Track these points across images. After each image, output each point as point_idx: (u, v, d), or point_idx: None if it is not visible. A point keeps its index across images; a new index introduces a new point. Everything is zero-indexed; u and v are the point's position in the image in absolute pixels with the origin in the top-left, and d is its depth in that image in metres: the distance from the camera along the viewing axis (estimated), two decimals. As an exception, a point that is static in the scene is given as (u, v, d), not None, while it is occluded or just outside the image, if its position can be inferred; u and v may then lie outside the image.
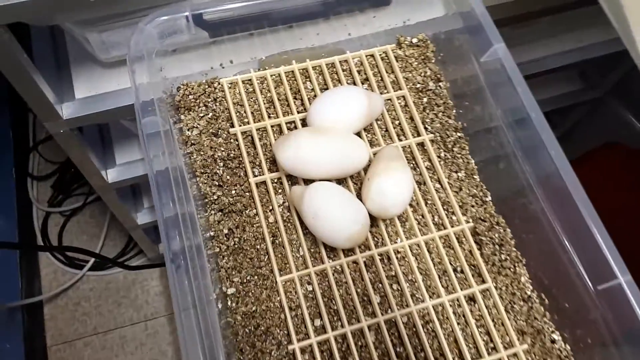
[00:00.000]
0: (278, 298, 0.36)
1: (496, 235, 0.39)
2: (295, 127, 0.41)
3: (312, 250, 0.37)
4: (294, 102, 0.42)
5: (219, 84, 0.42)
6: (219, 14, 0.39)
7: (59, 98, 0.50)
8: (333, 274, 0.37)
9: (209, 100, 0.41)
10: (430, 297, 0.36)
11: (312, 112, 0.39)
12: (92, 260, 1.05)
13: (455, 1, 0.42)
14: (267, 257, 0.37)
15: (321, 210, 0.34)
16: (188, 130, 0.40)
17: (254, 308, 0.35)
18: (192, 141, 0.40)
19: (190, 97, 0.41)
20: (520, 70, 0.62)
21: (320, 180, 0.38)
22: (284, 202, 0.39)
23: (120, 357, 1.01)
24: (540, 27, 0.78)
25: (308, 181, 0.38)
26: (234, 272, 0.36)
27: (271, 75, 0.43)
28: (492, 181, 0.41)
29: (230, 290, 0.36)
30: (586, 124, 1.08)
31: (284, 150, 0.36)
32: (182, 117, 0.41)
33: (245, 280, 0.36)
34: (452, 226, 0.39)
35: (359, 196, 0.38)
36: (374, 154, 0.40)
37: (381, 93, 0.43)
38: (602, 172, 0.97)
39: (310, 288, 0.36)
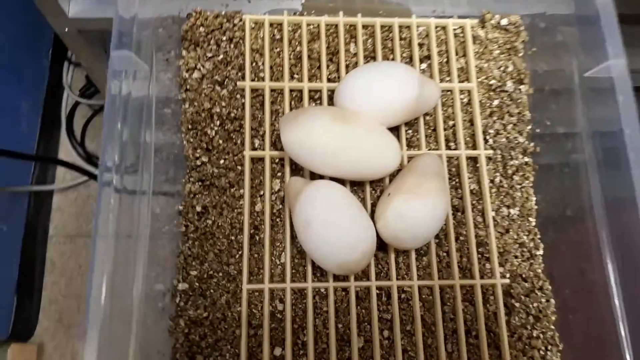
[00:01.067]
0: (239, 308, 0.29)
1: (534, 304, 0.30)
2: (320, 100, 0.32)
3: (296, 260, 0.30)
4: (328, 65, 0.33)
5: (240, 20, 0.33)
6: None
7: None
8: (314, 297, 0.29)
9: (224, 38, 0.33)
10: (426, 359, 0.28)
11: (343, 88, 0.30)
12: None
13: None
14: (240, 253, 0.29)
15: (316, 220, 0.26)
16: (187, 71, 0.32)
17: (205, 314, 0.28)
18: (189, 86, 0.32)
19: (202, 29, 0.32)
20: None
21: (329, 178, 0.29)
22: (279, 190, 0.31)
23: (116, 265, 1.00)
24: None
25: (316, 175, 0.30)
26: (194, 263, 0.29)
27: (308, 25, 0.34)
28: (551, 230, 0.32)
29: (182, 286, 0.29)
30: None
31: (291, 130, 0.28)
32: (185, 52, 0.32)
33: (205, 276, 0.29)
34: (482, 277, 0.30)
35: (373, 211, 0.29)
36: (409, 159, 0.31)
37: (441, 80, 0.33)
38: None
39: (281, 307, 0.29)
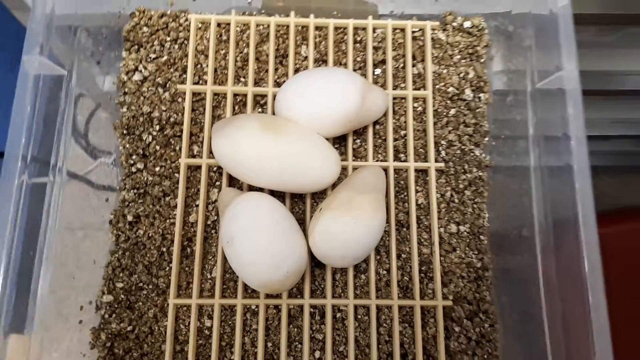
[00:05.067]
0: (166, 322, 0.28)
1: (477, 329, 0.28)
2: (265, 105, 0.31)
3: (228, 274, 0.29)
4: (277, 68, 0.31)
5: (186, 20, 0.32)
6: None
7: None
8: (244, 314, 0.28)
9: (168, 39, 0.31)
10: (357, 383, 0.27)
11: (281, 95, 0.28)
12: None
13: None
14: (170, 266, 0.28)
15: (239, 237, 0.25)
16: (127, 73, 0.31)
17: (129, 327, 0.28)
18: (127, 89, 0.31)
19: (145, 29, 0.31)
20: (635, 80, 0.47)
21: (267, 189, 0.28)
22: (216, 201, 0.29)
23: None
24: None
25: (254, 186, 0.29)
26: (122, 275, 0.28)
27: (257, 25, 0.32)
28: (504, 250, 0.30)
29: (107, 298, 0.28)
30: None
31: (219, 139, 0.26)
32: (125, 54, 0.31)
33: (134, 289, 0.28)
34: (423, 297, 0.28)
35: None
36: (354, 169, 0.30)
37: (396, 87, 0.31)
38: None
39: (209, 323, 0.28)
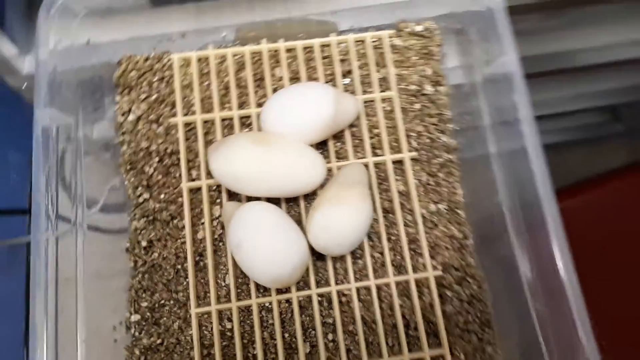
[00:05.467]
0: (190, 332, 0.31)
1: (466, 291, 0.31)
2: (251, 125, 0.34)
3: (240, 280, 0.32)
4: (256, 91, 0.35)
5: (169, 60, 0.35)
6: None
7: (21, 49, 0.44)
8: (260, 312, 0.31)
9: (155, 79, 0.35)
10: (368, 356, 0.30)
11: (264, 114, 0.32)
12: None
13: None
14: (187, 280, 0.31)
15: (246, 241, 0.28)
16: (122, 115, 0.34)
17: (159, 341, 0.30)
18: (125, 129, 0.34)
19: (133, 73, 0.35)
20: (585, 56, 0.52)
21: (264, 197, 0.31)
22: (219, 216, 0.33)
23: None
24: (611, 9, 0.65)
25: (252, 197, 0.32)
26: (144, 295, 0.31)
27: (234, 55, 0.36)
28: (481, 219, 0.33)
29: (134, 318, 0.31)
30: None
31: (215, 160, 0.30)
32: (119, 97, 0.34)
33: (157, 306, 0.31)
34: (415, 271, 0.32)
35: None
36: (338, 169, 0.33)
37: (364, 92, 0.35)
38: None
39: (229, 325, 0.31)
